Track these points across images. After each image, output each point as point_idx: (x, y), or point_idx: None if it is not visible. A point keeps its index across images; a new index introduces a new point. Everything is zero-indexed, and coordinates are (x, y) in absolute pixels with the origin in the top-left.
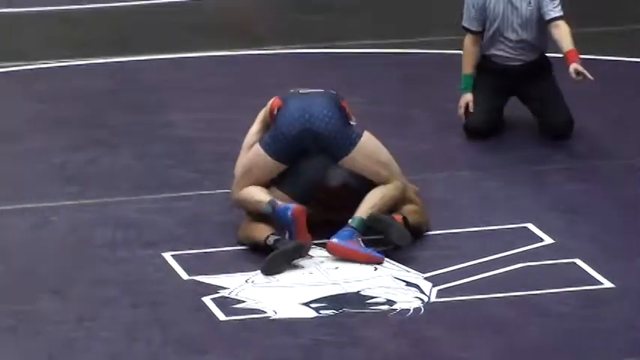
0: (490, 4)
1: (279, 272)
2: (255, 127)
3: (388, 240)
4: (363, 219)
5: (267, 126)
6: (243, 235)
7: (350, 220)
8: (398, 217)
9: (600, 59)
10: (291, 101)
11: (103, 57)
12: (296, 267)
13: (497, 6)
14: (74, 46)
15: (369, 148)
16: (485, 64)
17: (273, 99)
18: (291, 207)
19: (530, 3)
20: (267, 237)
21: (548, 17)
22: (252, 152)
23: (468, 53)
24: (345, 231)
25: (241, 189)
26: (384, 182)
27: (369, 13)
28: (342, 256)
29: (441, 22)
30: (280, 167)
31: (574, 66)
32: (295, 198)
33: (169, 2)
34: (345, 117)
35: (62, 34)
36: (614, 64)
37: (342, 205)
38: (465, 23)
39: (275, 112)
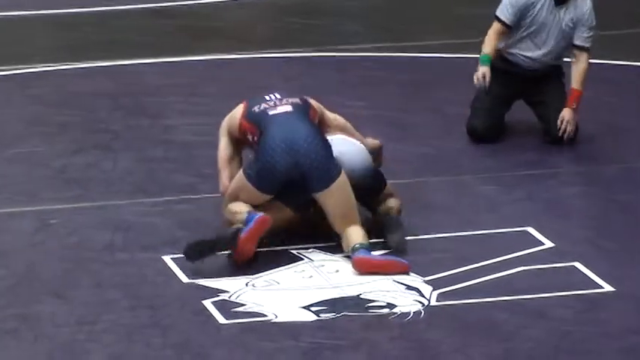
0: (535, 8)
1: (197, 259)
2: (223, 142)
3: (388, 242)
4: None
5: (234, 139)
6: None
7: (352, 247)
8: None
9: (599, 63)
10: (272, 128)
11: (103, 61)
12: (296, 271)
13: (540, 13)
14: (74, 49)
15: (347, 189)
16: (499, 65)
17: (238, 113)
18: (259, 215)
19: (572, 20)
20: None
21: (576, 42)
22: (237, 179)
23: (490, 39)
24: (360, 250)
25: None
26: (351, 224)
27: (367, 17)
28: (371, 269)
29: (440, 26)
30: (266, 197)
31: (563, 114)
32: (293, 208)
33: (169, 6)
34: (328, 147)
35: (62, 38)
36: (613, 67)
37: None
38: (498, 13)
39: (250, 137)
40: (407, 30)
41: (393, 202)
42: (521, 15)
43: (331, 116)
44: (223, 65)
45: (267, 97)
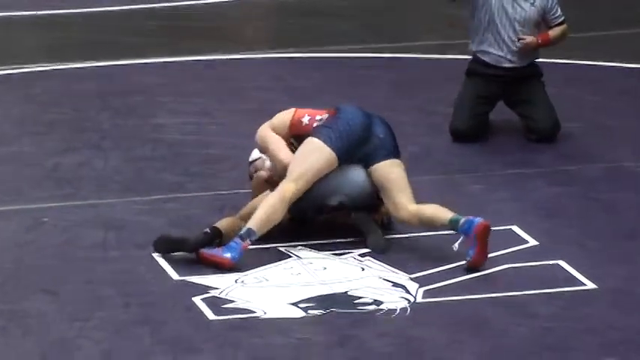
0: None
1: (163, 252)
2: (272, 135)
3: (367, 243)
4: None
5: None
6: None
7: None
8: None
9: (583, 63)
10: (347, 105)
11: (92, 61)
12: (285, 268)
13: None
14: (62, 50)
15: (402, 168)
16: (475, 68)
17: (287, 115)
18: (231, 256)
19: (533, 3)
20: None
21: (550, 25)
22: (308, 144)
23: None
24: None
25: (295, 189)
26: (412, 202)
27: (357, 18)
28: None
29: (428, 27)
30: (334, 166)
31: (527, 38)
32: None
33: (158, 7)
34: (393, 133)
35: (50, 38)
36: (596, 68)
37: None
38: None
39: (312, 119)
40: (395, 31)
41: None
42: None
43: None
44: (211, 65)
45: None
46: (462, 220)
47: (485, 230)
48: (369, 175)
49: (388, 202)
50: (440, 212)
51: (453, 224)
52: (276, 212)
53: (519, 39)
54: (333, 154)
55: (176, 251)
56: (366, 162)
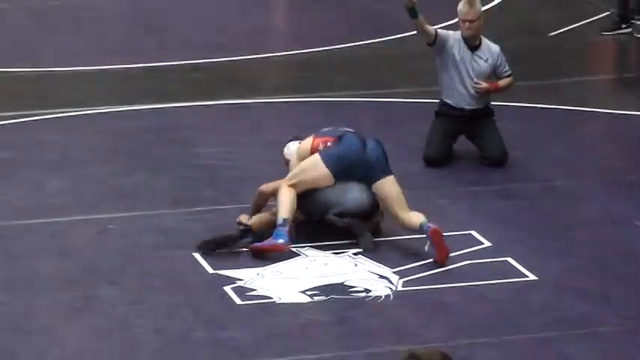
0: (449, 43)
1: (207, 252)
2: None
3: (359, 244)
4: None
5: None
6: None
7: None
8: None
9: (529, 106)
10: (348, 133)
11: (149, 104)
12: (295, 264)
13: (459, 51)
14: (127, 95)
15: (397, 185)
16: (442, 109)
17: (307, 142)
18: (284, 241)
19: (487, 60)
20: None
21: (502, 76)
22: (311, 159)
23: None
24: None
25: (288, 185)
26: (407, 210)
27: (350, 71)
28: (441, 235)
29: (406, 78)
30: (328, 180)
31: (483, 84)
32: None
33: (201, 62)
34: (385, 153)
35: (118, 87)
36: (539, 110)
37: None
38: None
39: (325, 144)
40: (380, 80)
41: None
42: (442, 43)
43: None
44: (239, 108)
45: (328, 127)
46: (425, 225)
47: (437, 233)
48: (373, 190)
49: (389, 212)
50: (415, 219)
51: (420, 228)
52: (288, 198)
53: (476, 83)
54: (328, 171)
55: (221, 249)
56: (369, 180)
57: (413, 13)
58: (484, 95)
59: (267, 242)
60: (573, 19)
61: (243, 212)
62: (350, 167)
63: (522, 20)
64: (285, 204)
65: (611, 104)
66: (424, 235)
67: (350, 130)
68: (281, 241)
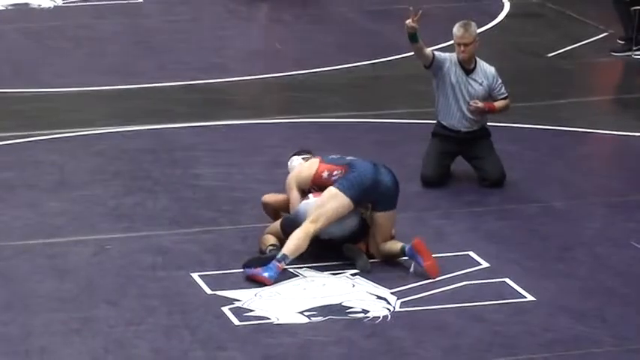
0: (445, 66)
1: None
2: (295, 194)
3: (356, 266)
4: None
5: (300, 191)
6: (260, 241)
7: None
8: (363, 247)
9: (523, 127)
10: (359, 160)
11: (147, 125)
12: (293, 284)
13: (454, 74)
14: (125, 116)
15: (393, 220)
16: (438, 131)
17: (312, 167)
18: (270, 274)
19: (482, 83)
20: (268, 247)
21: (498, 98)
22: (326, 193)
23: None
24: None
25: (310, 222)
26: (389, 239)
27: (347, 93)
28: (423, 246)
29: (402, 100)
30: (350, 205)
31: (479, 103)
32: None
33: (198, 83)
34: (398, 183)
35: (116, 107)
36: (533, 130)
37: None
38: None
39: (330, 173)
40: (376, 102)
41: None
42: (440, 66)
43: None
44: (238, 128)
45: (334, 155)
46: (405, 245)
47: (419, 244)
48: (369, 213)
49: (372, 238)
50: (395, 244)
51: (402, 251)
52: (302, 244)
53: (472, 102)
54: (347, 199)
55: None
56: (374, 206)
57: (414, 38)
58: (480, 116)
59: (258, 272)
60: (572, 39)
61: (241, 233)
62: (365, 191)
63: (520, 41)
64: (296, 243)
65: (610, 125)
66: (407, 258)
67: (355, 158)
68: (267, 275)
